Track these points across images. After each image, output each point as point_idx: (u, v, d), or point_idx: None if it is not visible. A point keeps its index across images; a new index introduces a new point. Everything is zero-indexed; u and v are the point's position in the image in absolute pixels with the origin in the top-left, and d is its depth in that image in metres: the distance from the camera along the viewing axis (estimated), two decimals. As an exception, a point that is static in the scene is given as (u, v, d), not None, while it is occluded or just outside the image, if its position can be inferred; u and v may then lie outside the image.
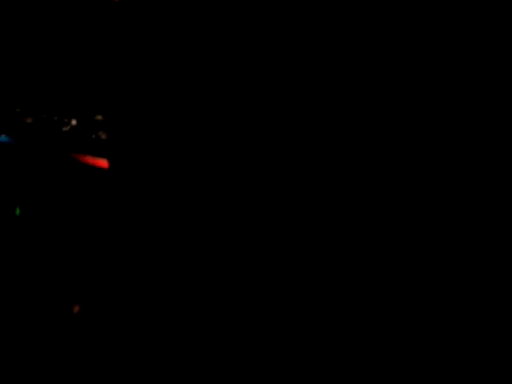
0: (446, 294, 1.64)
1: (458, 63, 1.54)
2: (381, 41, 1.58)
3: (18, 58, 2.13)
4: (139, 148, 2.02)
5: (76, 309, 2.05)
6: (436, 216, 1.63)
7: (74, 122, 2.09)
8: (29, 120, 2.12)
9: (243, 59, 1.78)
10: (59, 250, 2.12)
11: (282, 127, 1.76)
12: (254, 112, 1.78)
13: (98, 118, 2.06)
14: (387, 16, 1.58)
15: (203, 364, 1.94)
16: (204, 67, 1.89)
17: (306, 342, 1.82)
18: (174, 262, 2.01)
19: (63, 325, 2.04)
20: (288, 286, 1.84)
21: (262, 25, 1.74)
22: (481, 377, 1.61)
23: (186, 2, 1.87)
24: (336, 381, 1.79)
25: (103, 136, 2.06)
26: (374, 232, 1.70)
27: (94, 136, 2.07)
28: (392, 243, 1.69)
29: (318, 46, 1.65)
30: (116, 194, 2.06)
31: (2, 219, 2.14)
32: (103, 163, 2.06)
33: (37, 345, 2.01)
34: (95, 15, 2.03)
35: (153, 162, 2.02)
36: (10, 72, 2.14)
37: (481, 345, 1.62)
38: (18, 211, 2.14)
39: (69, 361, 1.97)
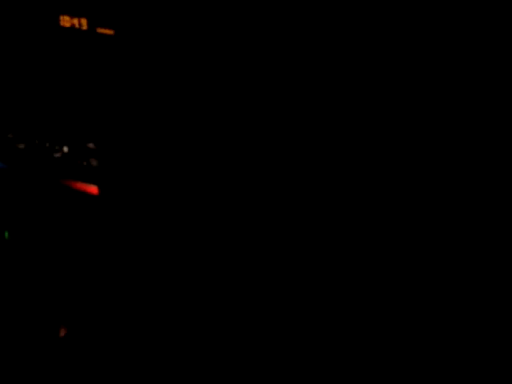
0: (446, 294, 1.64)
1: (457, 64, 1.55)
2: (381, 41, 1.59)
3: (11, 84, 2.17)
4: (130, 175, 2.07)
5: (63, 332, 2.08)
6: (436, 216, 1.62)
7: (65, 148, 2.14)
8: (21, 146, 2.17)
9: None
10: (48, 273, 2.15)
11: (281, 128, 1.77)
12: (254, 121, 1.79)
13: (90, 146, 2.11)
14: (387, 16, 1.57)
15: (203, 367, 1.94)
16: (198, 103, 1.95)
17: (305, 342, 1.83)
18: (167, 282, 2.05)
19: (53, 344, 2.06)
20: (288, 287, 1.85)
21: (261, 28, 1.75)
22: (481, 377, 1.62)
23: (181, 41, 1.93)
24: (336, 381, 1.79)
25: (94, 163, 2.11)
26: (374, 232, 1.70)
27: (85, 163, 2.12)
28: (392, 243, 1.68)
29: (318, 47, 1.66)
30: (106, 219, 2.11)
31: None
32: (93, 189, 2.11)
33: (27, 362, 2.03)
34: (90, 47, 2.09)
35: (143, 189, 2.07)
36: (1, 97, 2.18)
37: (481, 345, 1.62)
38: (6, 235, 2.17)
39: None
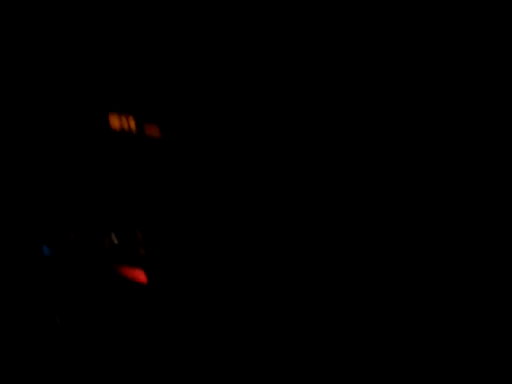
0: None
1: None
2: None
3: (62, 178, 2.34)
4: (176, 264, 2.17)
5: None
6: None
7: (114, 237, 2.28)
8: (71, 234, 2.32)
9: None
10: (98, 357, 2.24)
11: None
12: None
13: (138, 236, 2.25)
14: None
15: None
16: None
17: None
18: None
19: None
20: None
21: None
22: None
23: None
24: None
25: (142, 252, 2.25)
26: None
27: (133, 252, 2.25)
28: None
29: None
30: (154, 306, 2.20)
31: (43, 326, 2.29)
32: (141, 277, 2.23)
33: None
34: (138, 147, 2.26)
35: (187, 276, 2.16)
36: (53, 189, 2.34)
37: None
38: (58, 320, 2.29)
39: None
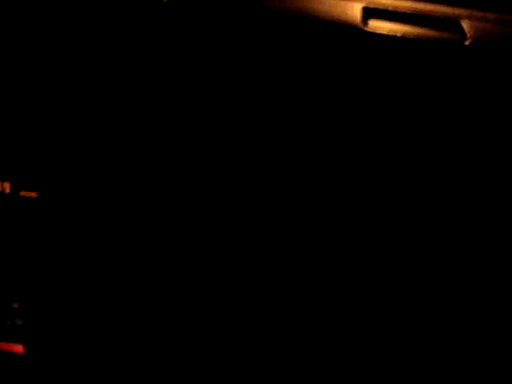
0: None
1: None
2: None
3: None
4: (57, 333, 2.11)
5: None
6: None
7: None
8: None
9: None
10: None
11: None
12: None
13: (15, 306, 2.14)
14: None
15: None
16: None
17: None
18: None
19: None
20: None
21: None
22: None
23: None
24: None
25: (19, 322, 2.14)
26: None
27: (9, 323, 2.13)
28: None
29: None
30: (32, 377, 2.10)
31: None
32: (17, 349, 2.10)
33: None
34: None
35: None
36: None
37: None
38: None
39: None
